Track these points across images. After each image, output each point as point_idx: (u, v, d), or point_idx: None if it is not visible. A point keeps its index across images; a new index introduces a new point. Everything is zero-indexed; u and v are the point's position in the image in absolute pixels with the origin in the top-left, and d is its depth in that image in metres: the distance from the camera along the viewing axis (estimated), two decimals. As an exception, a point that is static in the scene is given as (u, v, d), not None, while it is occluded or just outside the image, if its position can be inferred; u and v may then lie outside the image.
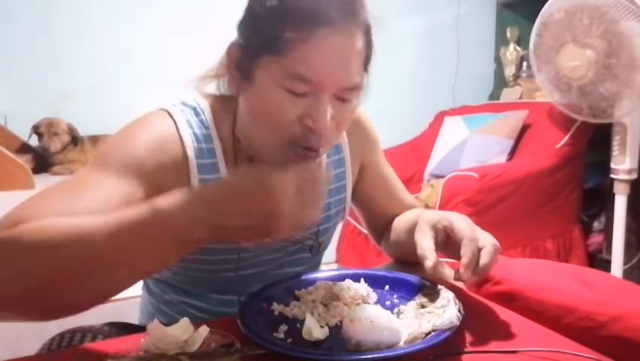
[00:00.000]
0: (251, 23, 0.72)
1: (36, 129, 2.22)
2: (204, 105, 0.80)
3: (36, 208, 0.59)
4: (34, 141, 2.25)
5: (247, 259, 0.82)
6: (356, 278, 0.78)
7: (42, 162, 2.21)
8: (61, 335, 0.69)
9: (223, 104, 0.80)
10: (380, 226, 1.01)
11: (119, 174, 0.68)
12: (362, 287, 0.75)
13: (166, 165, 0.72)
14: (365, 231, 1.08)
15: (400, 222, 0.94)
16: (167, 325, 0.59)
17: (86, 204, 0.61)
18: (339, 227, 1.01)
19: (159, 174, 0.71)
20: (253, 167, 0.58)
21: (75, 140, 2.27)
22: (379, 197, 0.99)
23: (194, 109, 0.79)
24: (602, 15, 1.80)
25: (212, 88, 0.82)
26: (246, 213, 0.54)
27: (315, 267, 0.95)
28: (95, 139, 2.28)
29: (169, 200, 0.55)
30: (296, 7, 0.66)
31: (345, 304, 0.72)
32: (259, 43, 0.69)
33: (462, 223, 0.72)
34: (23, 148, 2.23)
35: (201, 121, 0.78)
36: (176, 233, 0.55)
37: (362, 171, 0.97)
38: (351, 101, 0.71)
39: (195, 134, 0.76)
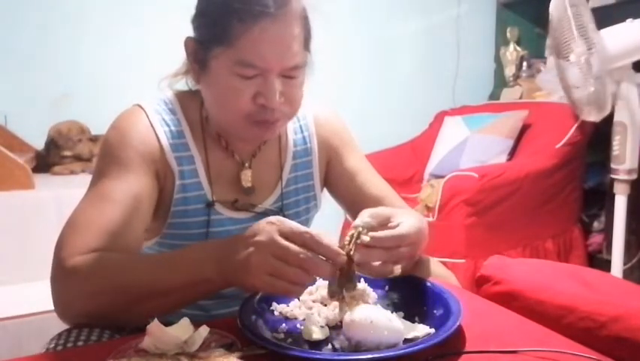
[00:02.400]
0: (202, 19, 0.82)
1: (63, 134, 2.17)
2: (172, 97, 0.91)
3: (80, 238, 0.74)
4: (33, 141, 2.25)
5: (216, 234, 0.89)
6: (356, 278, 0.78)
7: (42, 162, 2.21)
8: (69, 330, 0.70)
9: (190, 94, 0.92)
10: None
11: (119, 178, 0.80)
12: (362, 287, 0.75)
13: (147, 151, 0.84)
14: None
15: None
16: (166, 324, 0.59)
17: (111, 219, 0.76)
18: (336, 228, 1.01)
19: (145, 160, 0.83)
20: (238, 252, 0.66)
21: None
22: (351, 191, 1.00)
23: (164, 100, 0.91)
24: (562, 29, 1.84)
25: (182, 84, 0.94)
26: (242, 257, 0.65)
27: None
28: (95, 139, 2.27)
29: (195, 252, 0.72)
30: (240, 2, 0.75)
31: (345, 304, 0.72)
32: (210, 36, 0.80)
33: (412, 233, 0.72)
34: (27, 148, 2.23)
35: (169, 109, 0.89)
36: (195, 275, 0.70)
37: (330, 164, 1.01)
38: (296, 78, 0.82)
39: (164, 120, 0.87)
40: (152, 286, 0.69)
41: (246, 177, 0.91)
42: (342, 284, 0.66)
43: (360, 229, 0.68)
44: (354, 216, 1.02)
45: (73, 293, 0.71)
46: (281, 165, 0.95)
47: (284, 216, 0.93)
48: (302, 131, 0.99)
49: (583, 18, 1.80)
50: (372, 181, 1.01)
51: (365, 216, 0.71)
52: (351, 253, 0.66)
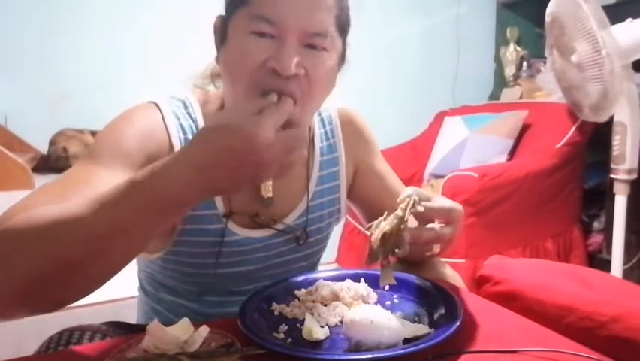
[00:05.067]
0: None
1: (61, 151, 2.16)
2: (192, 99, 0.83)
3: (30, 205, 0.59)
4: (33, 141, 2.25)
5: (227, 255, 0.82)
6: (356, 278, 0.78)
7: (44, 163, 2.20)
8: (61, 333, 0.69)
9: (213, 96, 0.84)
10: None
11: (110, 167, 0.69)
12: (362, 287, 0.75)
13: (154, 154, 0.73)
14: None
15: None
16: (166, 325, 0.59)
17: (79, 199, 0.58)
18: (337, 228, 1.01)
19: (148, 163, 0.71)
20: (229, 117, 0.57)
21: None
22: (376, 198, 0.96)
23: (183, 102, 0.82)
24: (562, 29, 1.83)
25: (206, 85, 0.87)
26: (234, 172, 0.56)
27: (312, 268, 0.95)
28: (95, 134, 2.27)
29: (154, 167, 0.56)
30: None
31: (345, 304, 0.72)
32: (232, 2, 0.73)
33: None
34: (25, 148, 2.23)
35: (188, 113, 0.81)
36: (165, 199, 0.55)
37: (357, 171, 0.96)
38: (319, 49, 0.71)
39: (181, 125, 0.79)
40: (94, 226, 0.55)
41: (266, 187, 0.83)
42: (389, 249, 0.67)
43: (416, 198, 0.69)
44: (371, 220, 1.01)
45: (11, 262, 0.55)
46: (307, 176, 0.88)
47: (307, 232, 0.87)
48: (328, 139, 0.92)
49: (588, 16, 1.78)
50: (396, 187, 0.97)
51: (411, 190, 0.71)
52: (406, 219, 0.67)
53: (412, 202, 0.68)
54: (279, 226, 0.84)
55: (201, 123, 0.81)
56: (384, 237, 0.67)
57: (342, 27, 0.76)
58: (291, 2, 0.69)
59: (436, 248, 0.74)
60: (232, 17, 0.74)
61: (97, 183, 0.64)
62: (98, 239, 0.55)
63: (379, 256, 0.68)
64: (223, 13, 0.78)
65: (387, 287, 0.78)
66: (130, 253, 0.59)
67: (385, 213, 0.69)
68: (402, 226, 0.67)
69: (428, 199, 0.72)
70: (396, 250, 0.67)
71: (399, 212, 0.68)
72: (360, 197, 0.97)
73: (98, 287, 0.58)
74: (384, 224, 0.68)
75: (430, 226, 0.71)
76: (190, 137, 0.79)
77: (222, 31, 0.76)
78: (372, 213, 0.97)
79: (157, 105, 0.79)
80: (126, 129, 0.74)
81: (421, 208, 0.69)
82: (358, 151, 0.95)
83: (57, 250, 0.54)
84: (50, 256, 0.54)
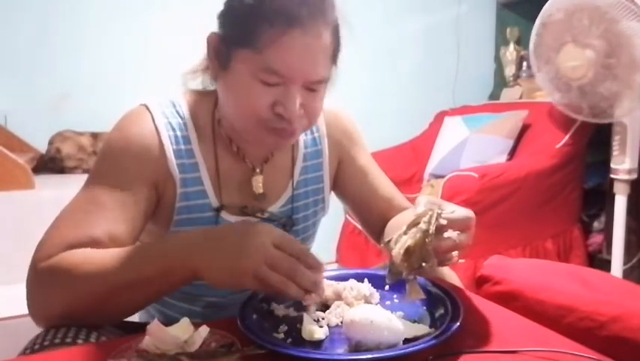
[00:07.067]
0: (230, 17, 0.79)
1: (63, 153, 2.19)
2: (181, 99, 0.88)
3: (63, 238, 0.73)
4: (33, 141, 2.25)
5: None
6: (360, 278, 0.78)
7: (44, 163, 2.21)
8: (46, 331, 0.69)
9: (202, 96, 0.89)
10: (372, 224, 1.02)
11: (113, 185, 0.78)
12: (365, 287, 0.75)
13: (148, 159, 0.81)
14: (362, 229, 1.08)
15: (396, 222, 0.94)
16: (166, 325, 0.59)
17: (98, 224, 0.74)
18: (337, 229, 1.01)
19: (145, 169, 0.80)
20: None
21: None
22: (361, 191, 1.00)
23: (172, 102, 0.87)
24: (602, 15, 1.79)
25: (197, 83, 0.90)
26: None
27: None
28: (94, 136, 2.27)
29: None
30: (271, 8, 0.73)
31: (348, 304, 0.72)
32: (237, 37, 0.77)
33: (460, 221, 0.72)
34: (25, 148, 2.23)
35: (177, 112, 0.86)
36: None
37: (341, 164, 1.00)
38: (318, 91, 0.79)
39: (170, 123, 0.84)
40: (124, 277, 0.68)
41: (257, 183, 0.88)
42: (414, 263, 0.67)
43: (438, 211, 0.68)
44: (361, 217, 1.04)
45: (48, 295, 0.70)
46: (292, 167, 0.93)
47: (292, 220, 0.92)
48: (312, 132, 0.96)
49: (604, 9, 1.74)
50: (381, 181, 1.02)
51: (425, 202, 0.71)
52: (431, 232, 0.66)
53: (435, 215, 0.67)
54: (266, 214, 0.89)
55: (189, 120, 0.86)
56: (408, 251, 0.66)
57: (336, 56, 0.82)
58: (299, 58, 0.75)
59: (455, 256, 0.73)
60: (236, 52, 0.77)
61: (107, 206, 0.76)
62: (123, 289, 0.69)
63: (403, 271, 0.67)
64: (217, 29, 0.81)
65: (387, 287, 0.78)
66: (145, 302, 0.75)
67: (404, 227, 0.68)
68: (427, 240, 0.66)
69: (440, 207, 0.72)
70: (423, 264, 0.66)
71: (422, 226, 0.67)
72: (345, 188, 1.01)
73: (128, 316, 0.75)
74: (405, 238, 0.67)
75: (447, 235, 0.70)
76: (179, 133, 0.84)
77: (223, 55, 0.79)
78: (355, 205, 1.03)
79: (147, 108, 0.84)
80: (123, 146, 0.80)
81: (444, 221, 0.67)
82: (342, 144, 0.99)
83: (91, 293, 0.69)
84: (84, 296, 0.69)
